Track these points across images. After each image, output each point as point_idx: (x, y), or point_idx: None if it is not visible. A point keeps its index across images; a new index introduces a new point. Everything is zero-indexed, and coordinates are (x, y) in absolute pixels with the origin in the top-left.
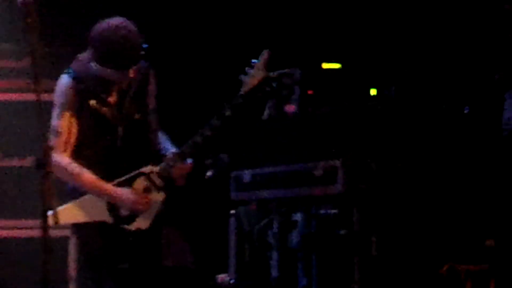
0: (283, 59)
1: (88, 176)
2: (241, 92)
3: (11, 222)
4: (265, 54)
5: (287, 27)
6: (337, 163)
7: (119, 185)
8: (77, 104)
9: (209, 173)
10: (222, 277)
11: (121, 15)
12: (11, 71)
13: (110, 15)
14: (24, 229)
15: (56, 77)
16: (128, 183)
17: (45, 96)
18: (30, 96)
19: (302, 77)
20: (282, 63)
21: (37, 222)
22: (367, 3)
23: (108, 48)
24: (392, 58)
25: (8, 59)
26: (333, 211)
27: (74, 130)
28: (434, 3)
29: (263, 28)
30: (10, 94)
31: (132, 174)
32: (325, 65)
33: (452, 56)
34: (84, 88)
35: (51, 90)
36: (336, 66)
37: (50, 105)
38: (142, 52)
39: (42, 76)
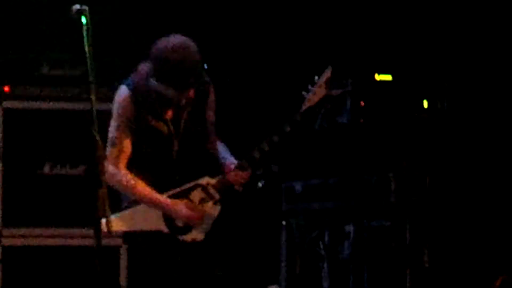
0: (335, 70)
1: (142, 187)
2: (302, 109)
3: (63, 231)
4: (327, 72)
5: (340, 38)
6: (390, 175)
7: (175, 196)
8: (134, 117)
9: (260, 184)
10: None
11: (178, 26)
12: (64, 79)
13: (166, 25)
14: (76, 238)
15: (109, 86)
16: (185, 194)
17: (98, 105)
18: (84, 105)
19: (354, 88)
20: (334, 74)
21: (89, 231)
22: (421, 16)
23: (167, 68)
24: (445, 70)
25: (61, 67)
26: (386, 222)
27: (130, 141)
28: (485, 18)
29: (316, 39)
30: (64, 103)
31: (188, 185)
32: (378, 77)
33: (505, 69)
34: (142, 101)
35: (104, 99)
36: (388, 77)
37: (103, 113)
38: (202, 73)
39: (95, 84)
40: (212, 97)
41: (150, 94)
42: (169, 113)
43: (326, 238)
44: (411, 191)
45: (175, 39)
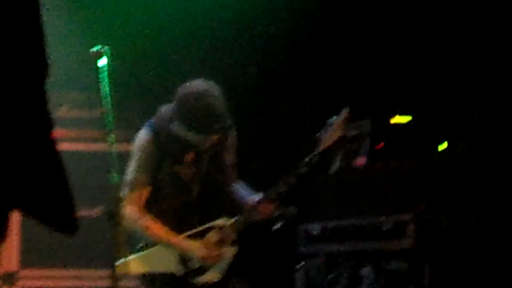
0: (353, 110)
1: (158, 228)
2: (318, 150)
3: (79, 272)
4: (344, 113)
5: (358, 79)
6: (407, 217)
7: (191, 236)
8: (154, 159)
9: (276, 226)
10: None
11: (197, 69)
12: (82, 120)
13: (186, 68)
14: (92, 279)
15: (127, 128)
16: (201, 236)
17: (116, 147)
18: (101, 146)
19: (372, 130)
20: (352, 115)
21: (105, 272)
22: (439, 58)
23: (192, 114)
24: (463, 112)
25: (79, 108)
26: (403, 265)
27: (148, 184)
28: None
29: (334, 79)
30: (81, 144)
31: (205, 226)
32: (396, 119)
33: None
34: (163, 145)
35: (122, 140)
36: (406, 119)
37: (121, 155)
38: (226, 118)
39: (113, 126)
40: (233, 139)
41: (172, 137)
42: (191, 156)
43: (343, 281)
44: (428, 233)
45: (201, 85)
